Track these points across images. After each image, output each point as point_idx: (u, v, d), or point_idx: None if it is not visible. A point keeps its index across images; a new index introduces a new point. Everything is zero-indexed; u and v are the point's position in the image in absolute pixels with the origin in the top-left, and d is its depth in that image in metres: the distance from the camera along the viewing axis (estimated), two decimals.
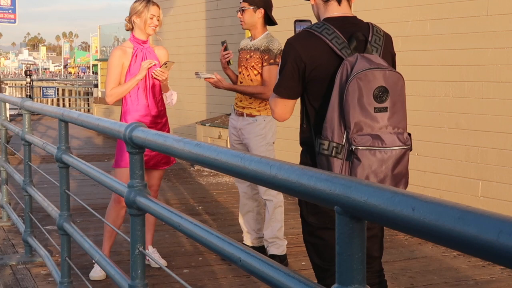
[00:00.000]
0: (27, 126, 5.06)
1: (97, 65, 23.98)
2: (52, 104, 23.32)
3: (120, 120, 4.61)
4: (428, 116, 6.15)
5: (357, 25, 2.82)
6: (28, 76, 19.32)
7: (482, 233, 1.03)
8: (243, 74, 4.90)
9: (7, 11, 15.27)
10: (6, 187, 6.18)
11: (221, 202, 7.21)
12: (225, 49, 4.99)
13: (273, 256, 4.80)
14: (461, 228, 1.07)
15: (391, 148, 2.61)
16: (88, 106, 21.11)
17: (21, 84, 29.94)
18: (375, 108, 2.60)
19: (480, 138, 5.71)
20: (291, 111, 2.89)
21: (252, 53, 4.83)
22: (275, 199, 4.88)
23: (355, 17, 2.88)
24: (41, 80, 40.64)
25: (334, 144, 2.62)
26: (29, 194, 5.01)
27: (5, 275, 4.72)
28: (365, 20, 2.89)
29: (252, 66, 4.83)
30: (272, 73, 4.68)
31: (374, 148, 2.59)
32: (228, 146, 7.42)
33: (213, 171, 8.56)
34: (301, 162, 2.84)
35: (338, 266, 1.39)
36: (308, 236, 2.90)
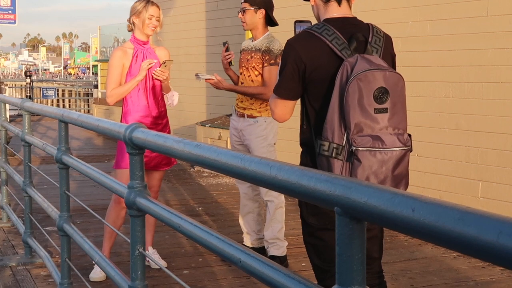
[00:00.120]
0: (27, 127, 5.06)
1: (97, 65, 23.99)
2: (52, 105, 23.31)
3: (121, 121, 4.61)
4: (428, 116, 6.15)
5: (357, 26, 2.82)
6: (28, 77, 19.32)
7: (482, 234, 1.03)
8: (244, 75, 4.90)
9: (7, 12, 15.28)
10: (6, 188, 6.18)
11: (221, 203, 7.21)
12: (227, 50, 4.99)
13: (273, 257, 4.80)
14: (461, 229, 1.07)
15: (391, 149, 2.61)
16: (88, 107, 21.10)
17: (21, 85, 29.94)
18: (375, 109, 2.60)
19: (480, 139, 5.71)
20: (291, 112, 2.89)
21: (253, 54, 4.84)
22: (276, 200, 4.88)
23: (355, 18, 2.88)
24: (41, 80, 40.64)
25: (334, 145, 2.62)
26: (29, 195, 5.01)
27: (5, 276, 4.72)
28: (365, 21, 2.89)
29: (253, 67, 4.83)
30: (272, 74, 4.68)
31: (375, 149, 2.59)
32: (228, 147, 7.42)
33: (213, 172, 8.56)
34: (301, 163, 2.84)
35: (338, 267, 1.39)
36: (308, 237, 2.90)
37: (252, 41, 4.92)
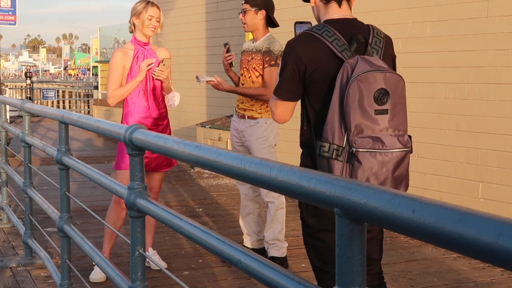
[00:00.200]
0: (27, 128, 5.06)
1: (97, 67, 23.99)
2: (52, 106, 23.32)
3: (122, 122, 4.61)
4: (428, 118, 6.15)
5: (357, 27, 2.82)
6: (28, 78, 19.33)
7: (482, 235, 1.03)
8: (245, 76, 4.90)
9: (7, 13, 15.28)
10: (6, 189, 6.18)
11: (221, 204, 7.21)
12: (228, 51, 4.99)
13: (273, 258, 4.80)
14: (461, 230, 1.07)
15: (391, 150, 2.61)
16: (88, 108, 21.10)
17: (21, 86, 29.96)
18: (375, 110, 2.60)
19: (480, 140, 5.71)
20: (291, 113, 2.89)
21: (253, 55, 4.84)
22: (277, 201, 4.88)
23: (355, 19, 2.88)
24: (41, 82, 40.59)
25: (335, 147, 2.62)
26: (29, 196, 5.01)
27: (5, 277, 4.72)
28: (366, 22, 2.89)
29: (254, 68, 4.83)
30: (273, 75, 4.68)
31: (375, 150, 2.59)
32: (229, 148, 7.42)
33: (213, 173, 8.56)
34: (301, 164, 2.84)
35: (338, 268, 1.39)
36: (308, 238, 2.90)
37: (253, 42, 4.92)
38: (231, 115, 5.13)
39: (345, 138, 2.61)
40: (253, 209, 5.09)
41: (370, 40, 2.77)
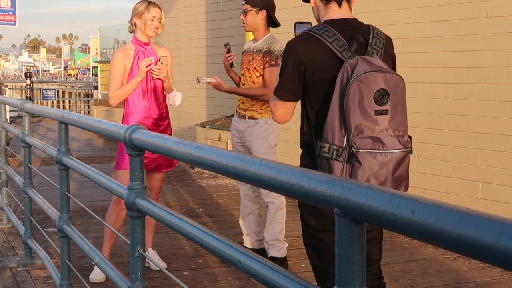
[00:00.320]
0: (27, 128, 5.06)
1: (97, 67, 23.98)
2: (52, 106, 23.32)
3: (122, 123, 4.61)
4: (428, 118, 6.15)
5: (357, 27, 2.82)
6: (28, 78, 19.33)
7: (482, 235, 1.03)
8: (246, 76, 4.90)
9: (7, 13, 15.28)
10: (6, 189, 6.18)
11: (221, 204, 7.21)
12: (228, 51, 4.99)
13: (273, 259, 4.80)
14: (461, 230, 1.07)
15: (391, 150, 2.61)
16: (88, 108, 21.11)
17: (21, 86, 29.95)
18: (375, 110, 2.60)
19: (480, 140, 5.71)
20: (291, 113, 2.89)
21: (254, 55, 4.83)
22: (277, 201, 4.88)
23: (355, 19, 2.88)
24: (41, 82, 40.58)
25: (335, 147, 2.62)
26: (29, 196, 5.01)
27: (5, 277, 4.72)
28: (366, 23, 2.89)
29: (254, 68, 4.83)
30: (273, 75, 4.68)
31: (375, 150, 2.59)
32: (229, 148, 7.42)
33: (213, 173, 8.56)
34: (301, 165, 2.84)
35: (338, 268, 1.39)
36: (308, 238, 2.90)
37: (254, 43, 4.92)
38: (231, 115, 5.13)
39: (345, 139, 2.61)
40: (253, 209, 5.08)
41: (370, 41, 2.77)
